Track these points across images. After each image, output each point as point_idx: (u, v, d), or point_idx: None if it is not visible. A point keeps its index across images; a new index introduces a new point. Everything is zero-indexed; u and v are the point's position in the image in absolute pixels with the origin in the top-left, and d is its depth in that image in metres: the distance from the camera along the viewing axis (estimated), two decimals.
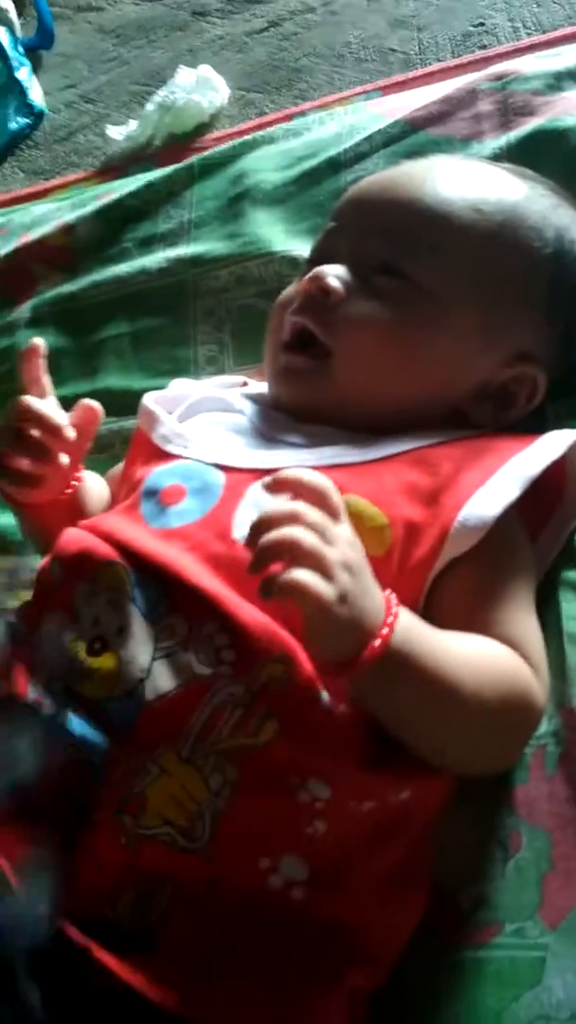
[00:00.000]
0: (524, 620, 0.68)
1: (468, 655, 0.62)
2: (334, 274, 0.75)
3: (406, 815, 0.63)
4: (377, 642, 0.57)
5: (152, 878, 0.60)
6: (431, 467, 0.69)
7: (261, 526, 0.55)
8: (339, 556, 0.56)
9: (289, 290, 0.81)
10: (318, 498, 0.57)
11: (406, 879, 0.64)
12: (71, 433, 0.77)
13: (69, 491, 0.81)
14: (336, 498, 0.58)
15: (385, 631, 0.57)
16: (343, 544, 0.57)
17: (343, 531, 0.58)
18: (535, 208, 0.77)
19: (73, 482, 0.81)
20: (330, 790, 0.60)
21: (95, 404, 0.80)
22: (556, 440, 0.71)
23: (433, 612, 0.66)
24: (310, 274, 0.76)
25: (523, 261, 0.76)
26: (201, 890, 0.60)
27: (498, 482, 0.67)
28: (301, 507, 0.56)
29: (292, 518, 0.56)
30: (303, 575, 0.54)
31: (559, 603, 0.73)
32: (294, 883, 0.60)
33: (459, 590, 0.67)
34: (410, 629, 0.59)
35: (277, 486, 0.58)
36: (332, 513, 0.58)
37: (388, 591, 0.60)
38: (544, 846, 0.66)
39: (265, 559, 0.55)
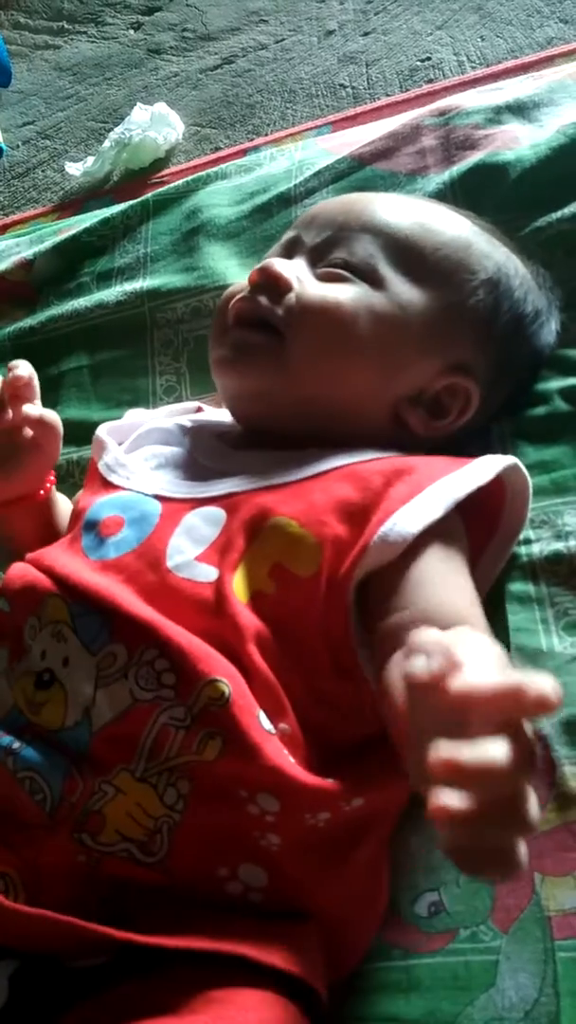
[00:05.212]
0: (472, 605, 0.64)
1: None
2: (283, 264, 0.77)
3: (365, 821, 0.65)
4: None
5: (113, 887, 0.61)
6: (361, 481, 0.69)
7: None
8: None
9: (237, 283, 0.82)
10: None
11: (371, 880, 0.66)
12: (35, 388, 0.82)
13: (43, 492, 0.82)
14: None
15: None
16: None
17: None
18: (477, 239, 0.81)
19: (47, 483, 0.83)
20: (279, 803, 0.61)
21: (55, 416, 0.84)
22: (488, 464, 0.71)
23: (372, 619, 0.64)
24: (258, 265, 0.78)
25: (465, 278, 0.79)
26: (162, 897, 0.61)
27: (424, 500, 0.67)
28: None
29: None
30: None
31: (506, 615, 0.74)
32: (253, 889, 0.61)
33: (391, 584, 0.64)
34: None
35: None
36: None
37: None
38: None
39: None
